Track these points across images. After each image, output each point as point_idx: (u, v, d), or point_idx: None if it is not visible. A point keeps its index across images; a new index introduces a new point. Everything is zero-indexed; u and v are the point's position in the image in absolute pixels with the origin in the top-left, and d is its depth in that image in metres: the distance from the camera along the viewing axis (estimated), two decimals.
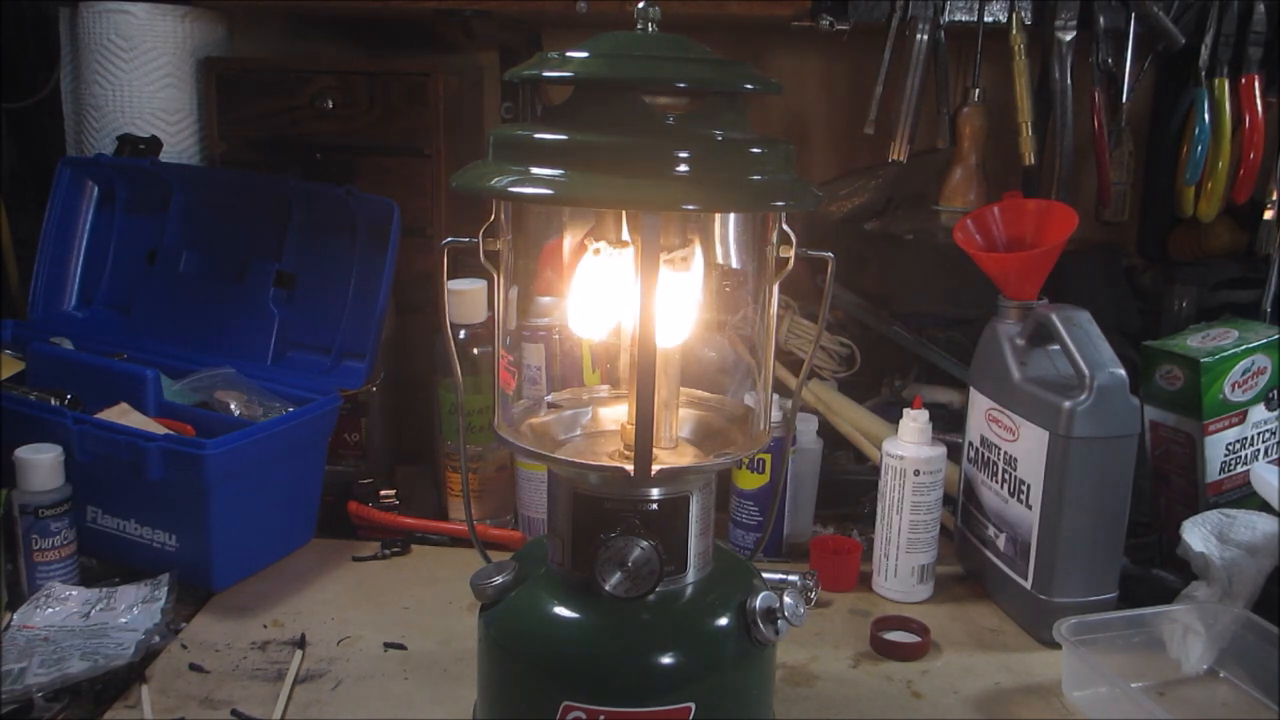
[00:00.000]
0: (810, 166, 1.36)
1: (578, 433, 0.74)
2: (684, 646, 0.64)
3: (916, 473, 0.95)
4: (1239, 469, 0.97)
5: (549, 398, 0.77)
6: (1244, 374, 0.95)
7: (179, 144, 1.24)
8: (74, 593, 0.89)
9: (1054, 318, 0.89)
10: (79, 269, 1.23)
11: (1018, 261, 0.94)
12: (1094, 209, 1.21)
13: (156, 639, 0.84)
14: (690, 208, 0.61)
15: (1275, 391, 0.97)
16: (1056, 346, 0.90)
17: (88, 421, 0.94)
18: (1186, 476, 0.98)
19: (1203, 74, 1.12)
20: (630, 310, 0.65)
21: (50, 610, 0.87)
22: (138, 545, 0.95)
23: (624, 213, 0.65)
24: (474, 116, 1.33)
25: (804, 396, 1.14)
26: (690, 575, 0.66)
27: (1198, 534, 0.88)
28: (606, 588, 0.62)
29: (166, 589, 0.89)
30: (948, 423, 1.12)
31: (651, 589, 0.62)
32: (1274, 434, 0.98)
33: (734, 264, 0.73)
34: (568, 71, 0.59)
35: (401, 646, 0.87)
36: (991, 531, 0.96)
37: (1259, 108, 1.12)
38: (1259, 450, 0.98)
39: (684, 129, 0.59)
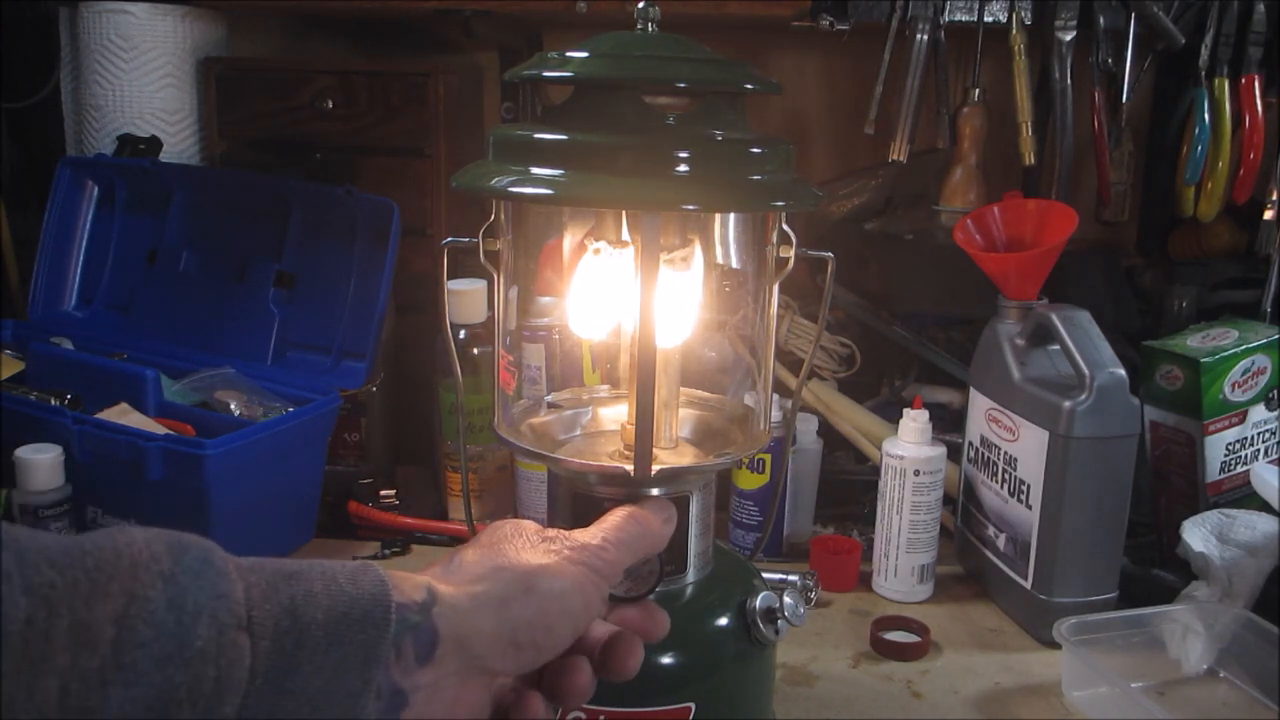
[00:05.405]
0: (810, 166, 1.36)
1: (578, 433, 0.74)
2: (684, 646, 0.64)
3: (916, 473, 0.95)
4: (1239, 469, 0.97)
5: (549, 398, 0.77)
6: (1244, 374, 0.95)
7: (179, 144, 1.24)
8: None
9: (1054, 318, 0.89)
10: (79, 269, 1.23)
11: (1018, 261, 0.94)
12: (1094, 209, 1.21)
13: None
14: (690, 208, 0.61)
15: (1275, 391, 0.97)
16: (1056, 346, 0.90)
17: (88, 421, 0.94)
18: (1186, 476, 0.98)
19: (1203, 74, 1.12)
20: (630, 310, 0.65)
21: None
22: None
23: (624, 213, 0.65)
24: (474, 116, 1.33)
25: (804, 396, 1.14)
26: (690, 575, 0.66)
27: (1198, 534, 0.88)
28: None
29: None
30: (948, 423, 1.12)
31: (651, 589, 0.62)
32: (1274, 434, 0.98)
33: (734, 264, 0.73)
34: (568, 71, 0.59)
35: None
36: (991, 531, 0.96)
37: (1259, 108, 1.12)
38: (1259, 450, 0.98)
39: (684, 129, 0.59)
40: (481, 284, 1.05)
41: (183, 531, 0.40)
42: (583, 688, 0.50)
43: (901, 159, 1.14)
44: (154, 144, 1.21)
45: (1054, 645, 0.83)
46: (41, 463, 0.90)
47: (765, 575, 0.70)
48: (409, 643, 0.43)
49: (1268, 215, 1.13)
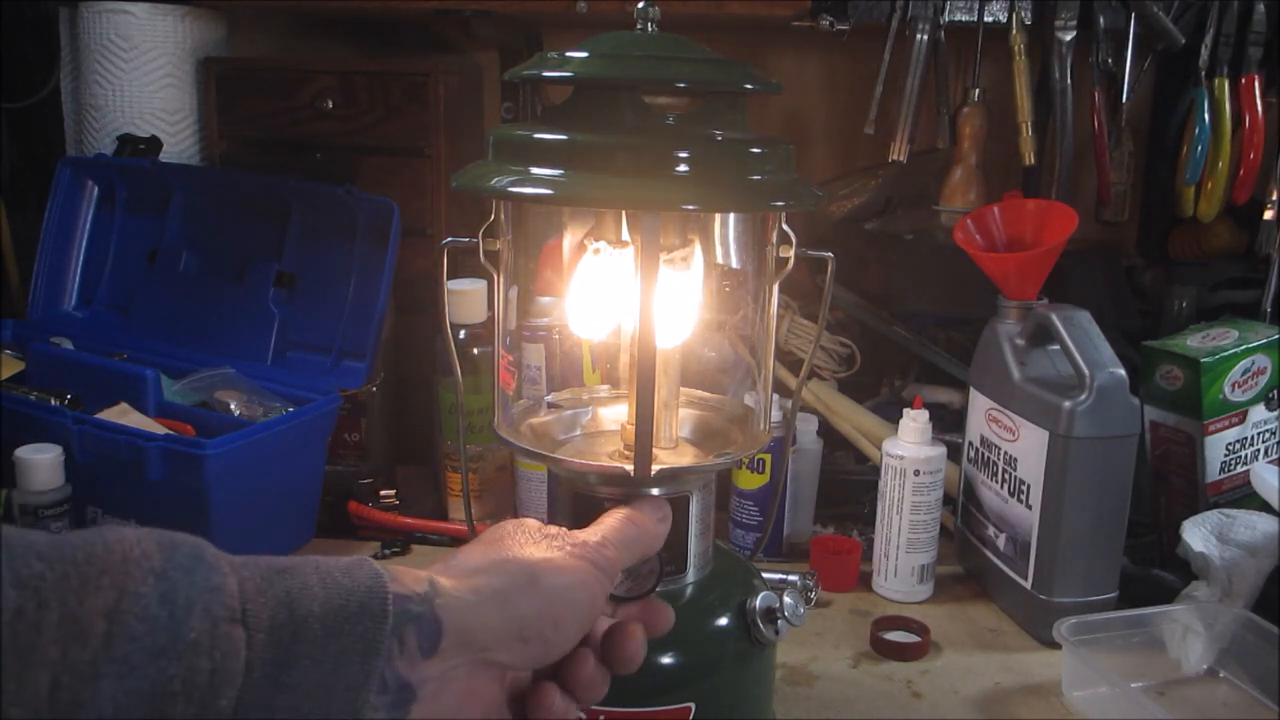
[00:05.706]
0: (810, 166, 1.36)
1: (578, 433, 0.74)
2: (684, 646, 0.63)
3: (916, 473, 0.95)
4: (1239, 469, 0.97)
5: (549, 398, 0.77)
6: (1244, 374, 0.95)
7: (179, 144, 1.24)
8: None
9: (1054, 318, 0.89)
10: (79, 269, 1.23)
11: (1018, 261, 0.94)
12: (1094, 209, 1.21)
13: None
14: (690, 208, 0.61)
15: (1275, 391, 0.97)
16: (1056, 346, 0.90)
17: (88, 421, 0.94)
18: (1186, 476, 0.98)
19: (1203, 74, 1.12)
20: (630, 310, 0.65)
21: None
22: None
23: (624, 213, 0.65)
24: (474, 116, 1.33)
25: (804, 396, 1.14)
26: (690, 575, 0.66)
27: (1198, 534, 0.88)
28: None
29: None
30: (948, 423, 1.12)
31: (651, 589, 0.62)
32: (1274, 434, 0.98)
33: (734, 264, 0.73)
34: (568, 71, 0.59)
35: None
36: (991, 531, 0.96)
37: (1259, 108, 1.12)
38: (1259, 450, 0.98)
39: (684, 129, 0.59)
40: (481, 284, 1.05)
41: (180, 531, 0.40)
42: (588, 678, 0.50)
43: (901, 159, 1.14)
44: (154, 144, 1.21)
45: (1054, 645, 0.83)
46: (41, 463, 0.90)
47: (765, 575, 0.70)
48: (412, 634, 0.43)
49: (1268, 215, 1.13)
